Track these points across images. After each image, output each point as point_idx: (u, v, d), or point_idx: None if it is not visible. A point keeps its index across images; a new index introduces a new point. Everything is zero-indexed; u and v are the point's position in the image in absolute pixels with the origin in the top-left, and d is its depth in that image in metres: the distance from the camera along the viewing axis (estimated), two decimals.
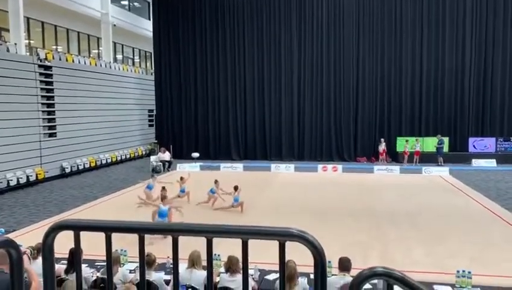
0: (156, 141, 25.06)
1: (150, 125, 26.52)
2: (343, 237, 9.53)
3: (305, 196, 14.22)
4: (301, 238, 1.38)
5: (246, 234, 1.40)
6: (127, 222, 1.46)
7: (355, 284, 1.39)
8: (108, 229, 1.44)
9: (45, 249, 1.51)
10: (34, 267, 4.54)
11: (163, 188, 11.19)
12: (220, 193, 12.55)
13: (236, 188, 12.09)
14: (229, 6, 23.85)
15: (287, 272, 5.16)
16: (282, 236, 1.41)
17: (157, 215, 9.72)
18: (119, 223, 1.45)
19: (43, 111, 17.44)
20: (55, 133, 17.99)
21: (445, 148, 21.13)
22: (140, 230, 1.43)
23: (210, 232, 1.39)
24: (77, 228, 1.47)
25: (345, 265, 5.30)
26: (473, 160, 20.64)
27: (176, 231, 1.40)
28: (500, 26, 21.82)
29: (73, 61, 19.60)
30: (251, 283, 5.56)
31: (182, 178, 13.46)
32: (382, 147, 21.57)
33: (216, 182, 12.81)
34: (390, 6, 22.41)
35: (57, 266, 5.92)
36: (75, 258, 1.53)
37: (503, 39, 21.84)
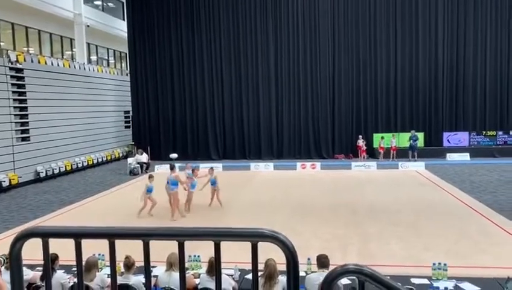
0: (133, 143, 24.74)
1: (127, 127, 26.16)
2: (322, 234, 9.63)
3: (284, 194, 14.29)
4: (273, 238, 1.38)
5: (217, 236, 1.39)
6: (95, 227, 1.43)
7: (327, 282, 1.40)
8: (77, 235, 1.41)
9: (12, 259, 1.47)
10: (6, 277, 4.42)
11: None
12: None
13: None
14: (204, 5, 23.71)
15: (267, 271, 5.19)
16: (254, 237, 1.41)
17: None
18: (88, 228, 1.43)
19: (15, 115, 17.01)
20: (29, 137, 17.58)
21: (421, 143, 21.57)
22: (110, 235, 1.40)
23: (181, 236, 1.38)
24: (45, 235, 1.43)
25: (322, 262, 5.35)
26: (448, 154, 21.11)
27: (146, 236, 1.38)
28: (471, 24, 22.37)
29: (45, 63, 19.16)
30: (231, 283, 5.55)
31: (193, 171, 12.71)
32: (362, 143, 21.67)
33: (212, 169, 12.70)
34: (364, 5, 22.70)
35: (32, 273, 5.82)
36: (45, 266, 1.50)
37: (473, 37, 22.40)
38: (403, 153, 20.98)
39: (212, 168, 13.04)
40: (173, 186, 11.39)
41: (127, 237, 1.41)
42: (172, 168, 11.98)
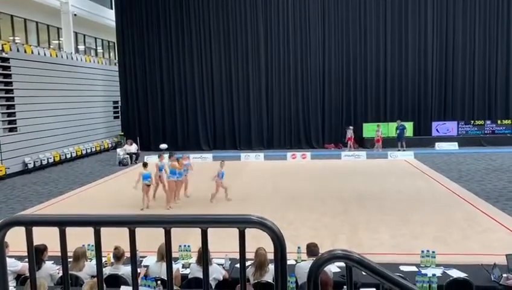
0: (122, 133, 24.54)
1: (116, 117, 25.92)
2: (312, 222, 9.69)
3: (275, 184, 14.32)
4: (260, 224, 1.37)
5: (204, 223, 1.38)
6: (80, 215, 1.41)
7: (315, 267, 1.40)
8: (61, 223, 1.38)
9: None
10: None
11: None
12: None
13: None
14: None
15: (257, 260, 5.21)
16: (242, 223, 1.40)
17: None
18: (72, 217, 1.40)
19: (1, 105, 16.75)
20: (16, 127, 17.34)
21: (410, 133, 21.72)
22: (95, 223, 1.38)
23: (167, 223, 1.36)
24: (28, 223, 1.41)
25: (312, 250, 5.38)
26: (436, 143, 21.29)
27: (132, 223, 1.37)
28: (459, 15, 22.43)
29: (32, 52, 18.85)
30: (222, 272, 5.57)
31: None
32: (349, 133, 21.77)
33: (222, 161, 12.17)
34: None
35: (21, 265, 5.77)
36: (29, 256, 1.47)
37: (462, 27, 22.49)
38: (392, 143, 21.10)
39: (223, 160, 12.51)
40: (170, 174, 11.50)
41: (112, 224, 1.39)
42: (170, 156, 12.10)
